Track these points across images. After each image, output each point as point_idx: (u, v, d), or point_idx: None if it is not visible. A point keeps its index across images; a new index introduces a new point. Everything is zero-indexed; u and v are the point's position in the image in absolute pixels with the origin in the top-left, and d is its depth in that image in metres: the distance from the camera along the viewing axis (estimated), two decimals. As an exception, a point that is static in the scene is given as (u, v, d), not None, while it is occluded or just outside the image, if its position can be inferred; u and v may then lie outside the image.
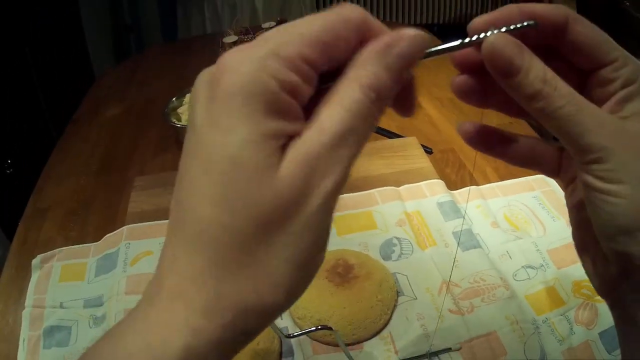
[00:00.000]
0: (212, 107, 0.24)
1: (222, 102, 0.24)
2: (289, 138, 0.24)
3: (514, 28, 0.29)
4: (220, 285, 0.24)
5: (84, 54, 1.98)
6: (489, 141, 0.37)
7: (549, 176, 0.39)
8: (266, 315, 0.25)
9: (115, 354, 0.24)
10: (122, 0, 2.14)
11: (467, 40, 0.30)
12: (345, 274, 0.62)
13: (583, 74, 0.32)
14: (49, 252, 0.71)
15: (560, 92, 0.29)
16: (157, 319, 0.25)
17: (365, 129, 0.26)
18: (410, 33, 0.26)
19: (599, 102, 0.31)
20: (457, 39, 0.30)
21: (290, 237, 0.24)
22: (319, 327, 0.53)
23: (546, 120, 0.30)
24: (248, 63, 0.23)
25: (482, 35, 0.29)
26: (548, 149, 0.37)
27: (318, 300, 0.60)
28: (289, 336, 0.52)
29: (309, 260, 0.25)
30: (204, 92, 0.25)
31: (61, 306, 0.65)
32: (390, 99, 0.27)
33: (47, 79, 1.69)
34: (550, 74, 0.29)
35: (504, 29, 0.29)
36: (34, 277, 0.69)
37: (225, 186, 0.23)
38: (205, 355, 0.24)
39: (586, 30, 0.30)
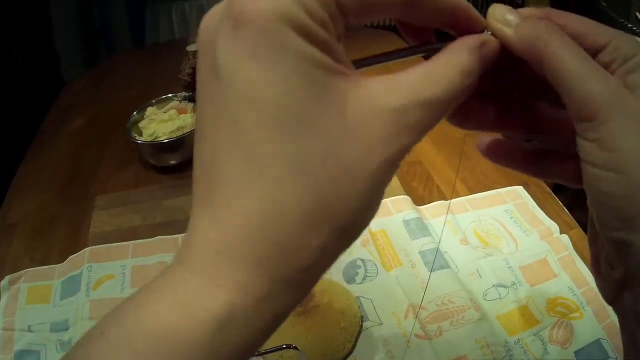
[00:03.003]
0: (240, 39, 0.20)
1: (253, 30, 0.20)
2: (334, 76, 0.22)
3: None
4: (278, 231, 0.21)
5: (54, 60, 1.94)
6: (511, 155, 0.35)
7: (574, 186, 0.34)
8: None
9: (142, 318, 0.21)
10: (92, 4, 2.09)
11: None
12: (306, 302, 0.59)
13: None
14: (16, 273, 0.70)
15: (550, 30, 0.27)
16: (193, 277, 0.21)
17: (445, 111, 0.23)
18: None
19: None
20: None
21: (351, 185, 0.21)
22: (284, 345, 0.51)
23: (541, 64, 0.27)
24: None
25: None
26: (566, 158, 0.34)
27: (278, 331, 0.56)
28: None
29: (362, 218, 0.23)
30: (222, 25, 0.21)
31: (29, 329, 0.64)
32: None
33: (15, 85, 1.65)
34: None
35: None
36: (3, 298, 0.68)
37: (280, 116, 0.20)
38: (252, 315, 0.21)
39: (571, 21, 0.29)
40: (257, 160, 0.21)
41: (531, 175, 0.35)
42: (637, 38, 0.28)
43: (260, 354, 0.53)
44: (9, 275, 0.69)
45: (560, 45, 0.27)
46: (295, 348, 0.50)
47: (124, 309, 0.22)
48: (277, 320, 0.22)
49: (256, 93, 0.20)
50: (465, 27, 0.27)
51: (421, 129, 0.22)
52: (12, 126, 1.63)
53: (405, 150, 0.22)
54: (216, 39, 0.21)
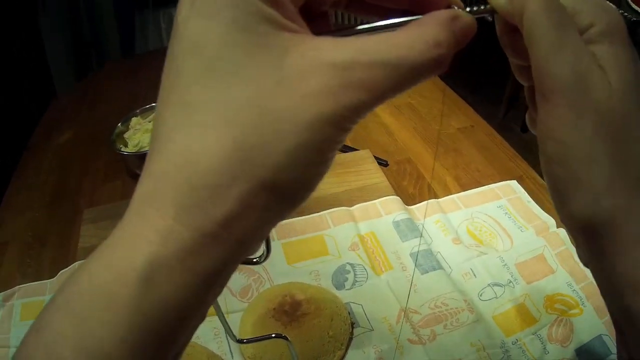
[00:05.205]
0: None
1: None
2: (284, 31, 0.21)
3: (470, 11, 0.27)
4: (196, 177, 0.21)
5: (45, 72, 1.92)
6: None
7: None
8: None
9: (81, 278, 0.21)
10: (82, 15, 2.09)
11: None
12: (292, 311, 0.57)
13: None
14: (9, 290, 0.69)
15: None
16: (122, 233, 0.22)
17: (404, 79, 0.22)
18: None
19: None
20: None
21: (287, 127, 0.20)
22: (273, 335, 0.49)
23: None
24: None
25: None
26: None
27: (266, 341, 0.55)
28: (240, 341, 0.48)
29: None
30: None
31: None
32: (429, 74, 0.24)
33: (7, 98, 1.63)
34: None
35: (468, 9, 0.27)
36: (-2, 315, 0.67)
37: (214, 65, 0.21)
38: (176, 268, 0.20)
39: None
40: (188, 105, 0.21)
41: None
42: (608, 4, 0.28)
43: (248, 342, 0.52)
44: (2, 292, 0.68)
45: (538, 10, 0.26)
46: (285, 338, 0.48)
47: (71, 275, 0.22)
48: (204, 279, 0.21)
49: (197, 42, 0.21)
50: (435, 5, 0.26)
51: (368, 90, 0.21)
52: (2, 144, 1.62)
53: (347, 110, 0.21)
54: None
